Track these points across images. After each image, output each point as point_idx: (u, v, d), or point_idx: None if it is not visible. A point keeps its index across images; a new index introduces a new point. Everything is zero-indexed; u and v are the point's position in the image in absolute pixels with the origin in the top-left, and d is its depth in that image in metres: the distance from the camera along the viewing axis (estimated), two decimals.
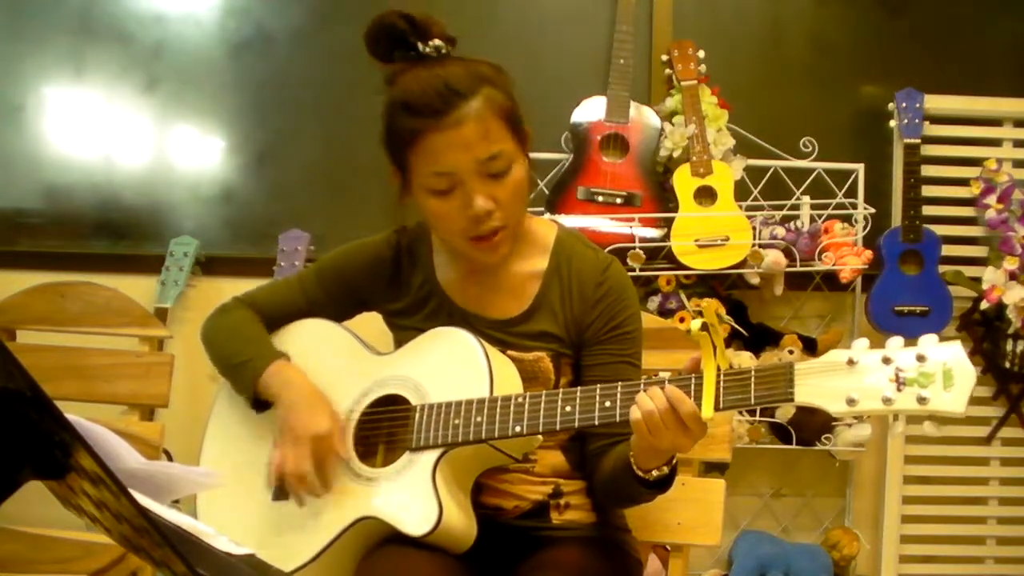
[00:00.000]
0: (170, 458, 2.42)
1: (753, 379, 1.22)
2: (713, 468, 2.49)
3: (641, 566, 1.58)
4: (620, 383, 1.32)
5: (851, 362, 1.17)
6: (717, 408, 1.23)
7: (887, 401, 1.15)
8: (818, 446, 2.73)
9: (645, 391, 1.26)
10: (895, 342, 1.17)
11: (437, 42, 1.41)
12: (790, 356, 2.68)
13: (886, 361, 1.16)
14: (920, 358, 1.15)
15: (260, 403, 1.53)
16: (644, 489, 1.36)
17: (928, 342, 1.16)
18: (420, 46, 1.41)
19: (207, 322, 1.62)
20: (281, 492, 1.49)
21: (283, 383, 1.48)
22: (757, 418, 2.71)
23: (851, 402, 1.16)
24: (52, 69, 2.88)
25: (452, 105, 1.35)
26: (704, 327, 1.21)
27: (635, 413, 1.26)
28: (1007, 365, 2.81)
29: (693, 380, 1.25)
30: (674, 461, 1.34)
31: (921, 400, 1.14)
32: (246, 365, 1.51)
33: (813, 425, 2.68)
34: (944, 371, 1.13)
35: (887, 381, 1.15)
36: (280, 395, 1.48)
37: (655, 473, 1.33)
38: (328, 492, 1.43)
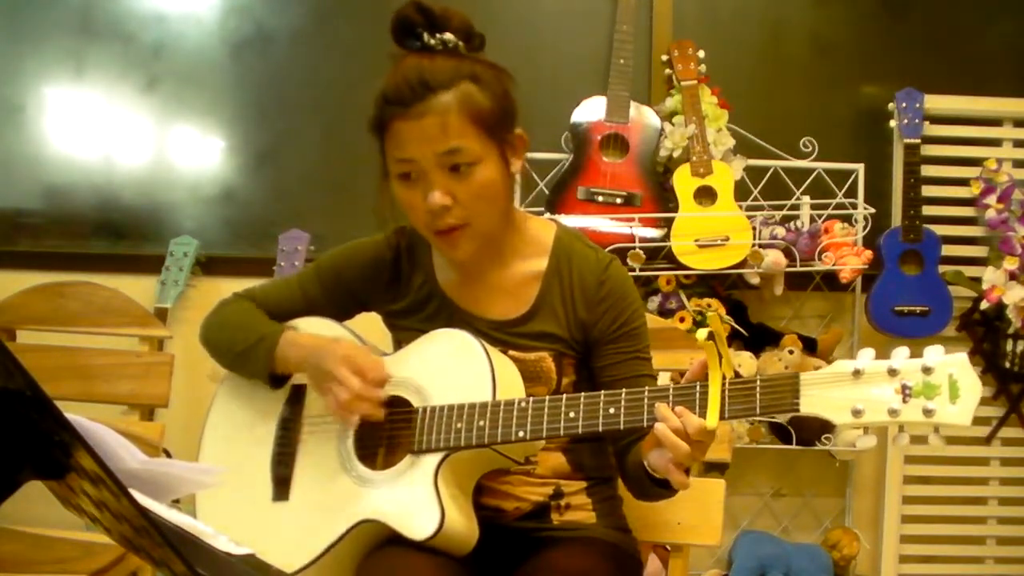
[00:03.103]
0: (170, 458, 2.42)
1: (759, 388, 1.23)
2: (713, 468, 2.48)
3: (641, 566, 1.58)
4: (625, 391, 1.32)
5: (857, 372, 1.17)
6: (722, 417, 1.23)
7: (893, 413, 1.15)
8: (818, 446, 2.73)
9: (671, 407, 1.26)
10: (901, 352, 1.17)
11: (447, 36, 1.42)
12: (790, 356, 2.68)
13: (892, 372, 1.16)
14: (926, 369, 1.15)
15: (277, 379, 1.53)
16: (664, 490, 1.37)
17: (934, 353, 1.16)
18: (425, 37, 1.41)
19: (206, 320, 1.61)
20: (281, 493, 1.49)
21: (299, 346, 1.49)
22: (757, 418, 2.71)
23: (857, 413, 1.16)
24: (52, 69, 2.88)
25: (419, 97, 1.37)
26: (710, 336, 1.20)
27: (667, 432, 1.26)
28: (1007, 365, 2.82)
29: (698, 389, 1.26)
30: None
31: (927, 412, 1.14)
32: (259, 344, 1.51)
33: (813, 425, 2.68)
34: (950, 383, 1.14)
35: (893, 392, 1.15)
36: (301, 358, 1.48)
37: None
38: (383, 403, 1.42)
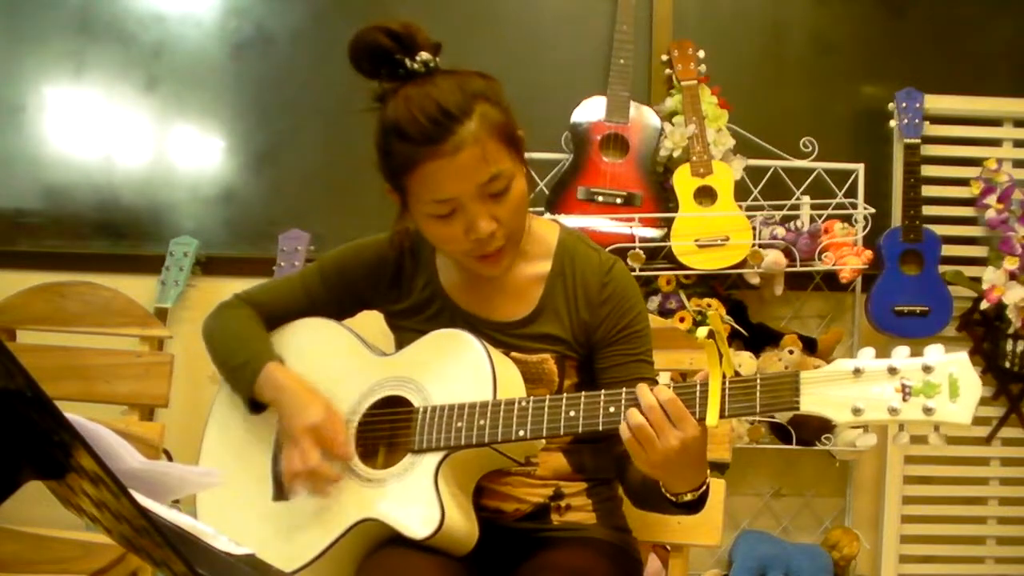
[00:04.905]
0: (170, 458, 2.42)
1: (759, 387, 1.22)
2: (713, 468, 2.48)
3: (641, 566, 1.58)
4: (624, 389, 1.31)
5: (857, 371, 1.17)
6: (722, 416, 1.23)
7: (893, 411, 1.15)
8: (818, 446, 2.73)
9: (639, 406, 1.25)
10: (901, 351, 1.17)
11: (424, 55, 1.37)
12: (790, 356, 2.68)
13: (892, 371, 1.16)
14: (926, 368, 1.15)
15: (257, 405, 1.53)
16: (675, 508, 1.36)
17: (934, 352, 1.16)
18: (408, 63, 1.36)
19: (207, 320, 1.61)
20: (281, 492, 1.49)
21: (275, 387, 1.48)
22: (757, 418, 2.71)
23: (857, 411, 1.17)
24: (52, 69, 2.88)
25: (448, 130, 1.32)
26: (710, 335, 1.20)
27: (625, 432, 1.26)
28: (1007, 365, 2.82)
29: (698, 388, 1.25)
30: (703, 487, 1.33)
31: (927, 410, 1.14)
32: (243, 368, 1.51)
33: (813, 425, 2.68)
34: (950, 381, 1.14)
35: (893, 391, 1.16)
36: (275, 400, 1.48)
37: (686, 497, 1.33)
38: (337, 481, 1.43)
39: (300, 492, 1.44)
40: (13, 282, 2.26)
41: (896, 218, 2.84)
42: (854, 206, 2.79)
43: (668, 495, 1.33)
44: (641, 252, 2.62)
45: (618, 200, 2.68)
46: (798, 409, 1.19)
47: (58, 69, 2.88)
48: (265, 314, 1.59)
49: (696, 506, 1.35)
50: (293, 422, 1.44)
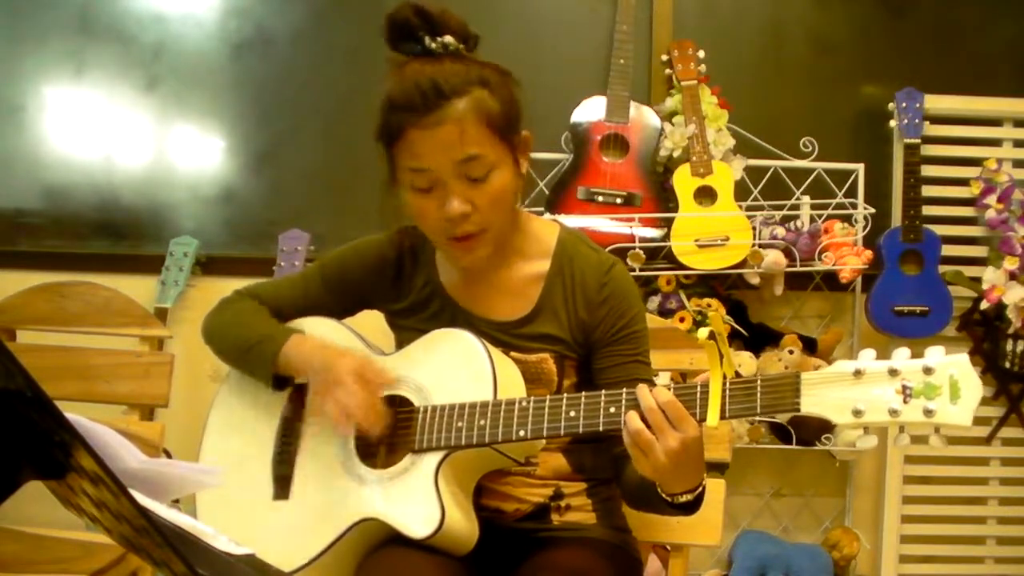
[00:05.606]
0: (170, 458, 2.42)
1: (759, 388, 1.23)
2: (713, 468, 2.48)
3: (641, 566, 1.58)
4: (625, 390, 1.32)
5: (858, 373, 1.18)
6: (723, 416, 1.23)
7: (893, 413, 1.15)
8: (818, 446, 2.73)
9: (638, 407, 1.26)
10: (902, 353, 1.18)
11: (448, 39, 1.40)
12: (790, 356, 2.68)
13: (893, 372, 1.16)
14: (927, 370, 1.15)
15: (280, 381, 1.51)
16: (671, 509, 1.36)
17: (935, 354, 1.17)
18: (427, 41, 1.40)
19: (208, 317, 1.61)
20: (281, 492, 1.49)
21: (308, 352, 1.47)
22: (757, 418, 2.71)
23: (857, 413, 1.17)
24: (52, 69, 2.88)
25: (434, 105, 1.35)
26: (711, 336, 1.21)
27: (625, 437, 1.26)
28: (1007, 365, 2.82)
29: (699, 388, 1.26)
30: (700, 488, 1.34)
31: (927, 412, 1.14)
32: (263, 343, 1.50)
33: (813, 425, 2.68)
34: (951, 383, 1.14)
35: (894, 393, 1.16)
36: (308, 361, 1.46)
37: (682, 499, 1.33)
38: (384, 423, 1.42)
39: (348, 430, 1.43)
40: (13, 282, 2.26)
41: (896, 218, 2.84)
42: (854, 206, 2.79)
43: (665, 496, 1.33)
44: (641, 252, 2.62)
45: (618, 200, 2.68)
46: (799, 410, 1.20)
47: (58, 69, 2.88)
48: (268, 310, 1.59)
49: (692, 507, 1.35)
50: (333, 371, 1.42)
